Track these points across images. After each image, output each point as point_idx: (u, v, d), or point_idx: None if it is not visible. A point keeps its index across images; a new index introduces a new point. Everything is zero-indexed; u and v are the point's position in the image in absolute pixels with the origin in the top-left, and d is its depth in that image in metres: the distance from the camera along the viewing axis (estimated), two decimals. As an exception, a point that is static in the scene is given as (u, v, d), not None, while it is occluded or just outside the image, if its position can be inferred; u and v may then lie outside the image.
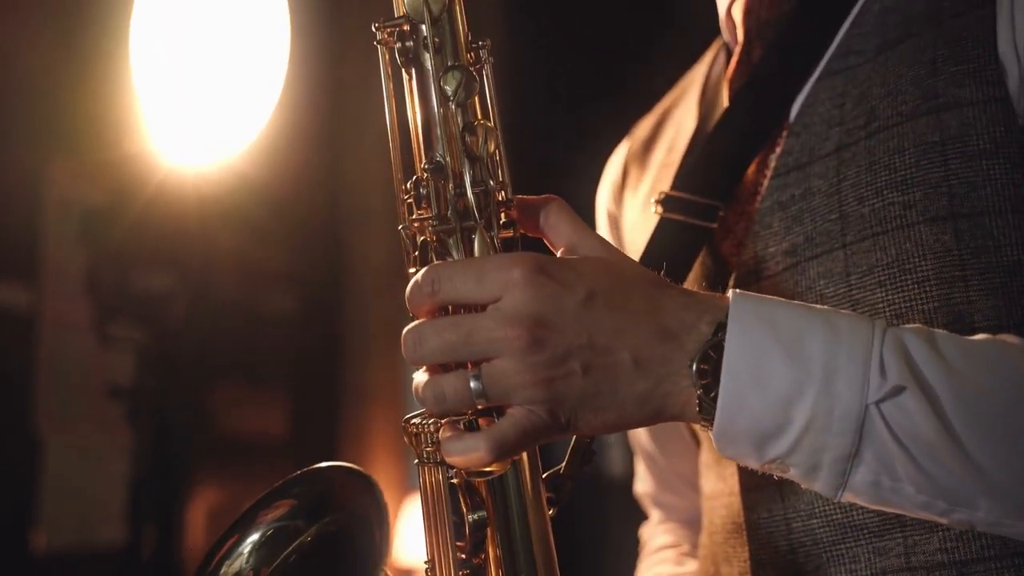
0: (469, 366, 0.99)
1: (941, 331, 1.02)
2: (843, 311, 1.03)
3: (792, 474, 1.02)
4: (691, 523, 1.56)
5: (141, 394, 2.86)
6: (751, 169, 1.32)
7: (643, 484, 1.66)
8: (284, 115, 2.72)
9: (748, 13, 1.36)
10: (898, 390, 0.96)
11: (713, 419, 0.99)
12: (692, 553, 1.55)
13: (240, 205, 2.79)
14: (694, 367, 0.98)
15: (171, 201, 2.72)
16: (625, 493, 1.85)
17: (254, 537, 1.02)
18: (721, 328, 0.98)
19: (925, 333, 1.01)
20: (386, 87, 1.08)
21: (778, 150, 1.29)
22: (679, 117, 1.50)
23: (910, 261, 1.16)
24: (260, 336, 3.92)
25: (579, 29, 3.54)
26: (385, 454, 4.32)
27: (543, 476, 1.10)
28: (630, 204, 1.53)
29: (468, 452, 1.00)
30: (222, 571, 1.01)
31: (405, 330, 1.02)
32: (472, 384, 0.98)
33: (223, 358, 3.63)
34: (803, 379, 0.97)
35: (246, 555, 1.02)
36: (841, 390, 0.97)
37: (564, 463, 1.19)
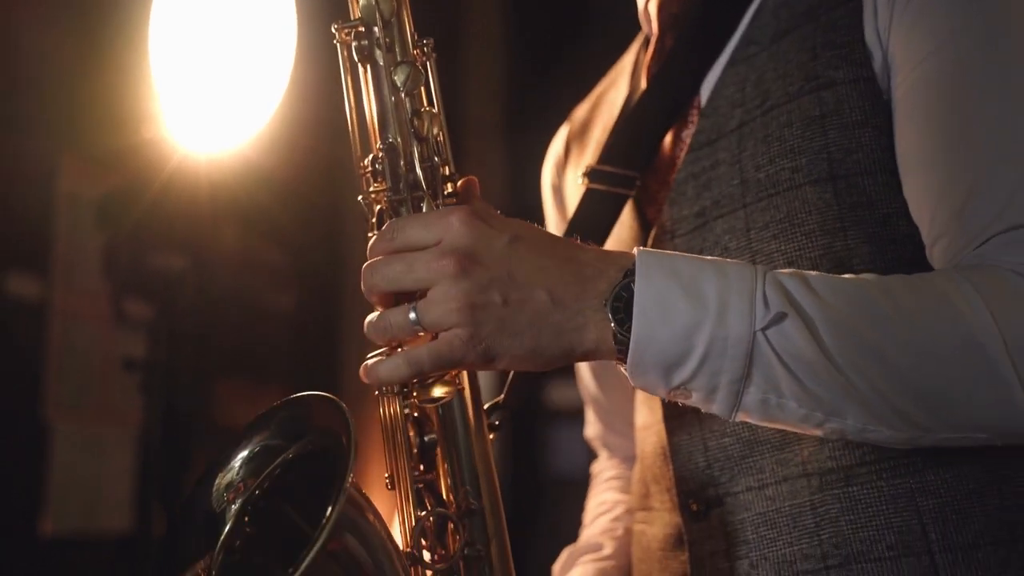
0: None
1: (812, 272, 1.20)
2: (731, 260, 1.21)
3: (694, 399, 1.19)
4: (633, 460, 1.72)
5: (148, 383, 2.94)
6: (670, 145, 1.51)
7: (592, 428, 1.86)
8: (291, 105, 2.83)
9: (661, 8, 1.55)
10: (780, 317, 1.14)
11: (627, 352, 1.16)
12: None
13: (249, 191, 2.91)
14: (608, 306, 1.15)
15: (184, 187, 2.82)
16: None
17: (244, 454, 1.20)
18: (630, 274, 1.16)
19: (799, 275, 1.18)
20: (344, 80, 1.27)
21: (692, 128, 1.47)
22: (612, 99, 1.69)
23: (798, 216, 1.35)
24: (263, 325, 4.01)
25: (520, 29, 3.78)
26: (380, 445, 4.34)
27: (484, 407, 1.29)
28: (571, 178, 1.72)
29: (390, 369, 1.18)
30: (216, 481, 1.19)
31: (364, 266, 1.20)
32: (411, 315, 1.16)
33: (229, 346, 3.71)
34: (701, 313, 1.14)
35: (237, 468, 1.19)
36: (732, 321, 1.14)
37: (503, 395, 1.40)
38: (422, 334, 1.18)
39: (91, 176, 3.29)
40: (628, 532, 1.68)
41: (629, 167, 1.51)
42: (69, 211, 3.26)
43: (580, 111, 1.78)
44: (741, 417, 1.20)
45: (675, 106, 1.50)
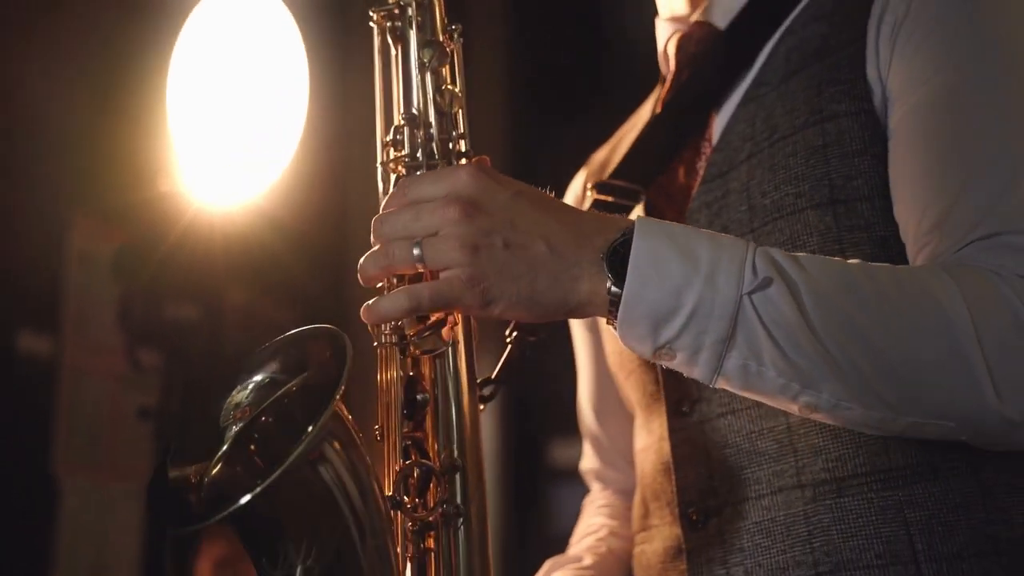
0: None
1: (802, 253, 1.25)
2: (726, 235, 1.26)
3: (678, 360, 1.22)
4: (626, 493, 1.77)
5: (161, 432, 2.98)
6: (684, 175, 1.58)
7: (588, 462, 1.89)
8: (302, 159, 2.97)
9: (679, 48, 1.65)
10: (767, 282, 1.18)
11: (618, 306, 1.20)
12: (624, 515, 1.77)
13: (262, 243, 2.97)
14: (604, 260, 1.20)
15: (198, 239, 2.89)
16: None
17: (257, 378, 1.24)
18: (628, 233, 1.20)
19: (789, 253, 1.23)
20: (377, 60, 1.38)
21: (705, 161, 1.55)
22: (630, 140, 1.74)
23: (800, 238, 1.41)
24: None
25: (546, 72, 3.88)
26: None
27: (478, 381, 1.32)
28: None
29: (391, 302, 1.22)
30: (231, 396, 1.23)
31: (374, 218, 1.26)
32: (414, 250, 1.20)
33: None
34: (692, 273, 1.18)
35: (248, 390, 1.24)
36: (721, 283, 1.18)
37: (496, 371, 1.44)
38: (421, 269, 1.22)
39: (103, 233, 3.32)
40: (611, 552, 1.72)
41: (635, 181, 1.59)
42: (80, 268, 3.30)
43: (599, 155, 1.86)
44: (721, 383, 1.23)
45: (685, 128, 1.59)
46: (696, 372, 1.23)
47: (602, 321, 1.68)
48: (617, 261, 1.20)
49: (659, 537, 1.54)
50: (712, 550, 1.44)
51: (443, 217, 1.20)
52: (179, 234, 2.84)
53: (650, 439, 1.58)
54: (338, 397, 1.13)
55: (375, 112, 1.37)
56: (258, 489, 1.08)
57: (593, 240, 1.21)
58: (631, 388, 1.64)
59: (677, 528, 1.49)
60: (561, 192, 1.85)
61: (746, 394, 1.27)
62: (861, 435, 1.36)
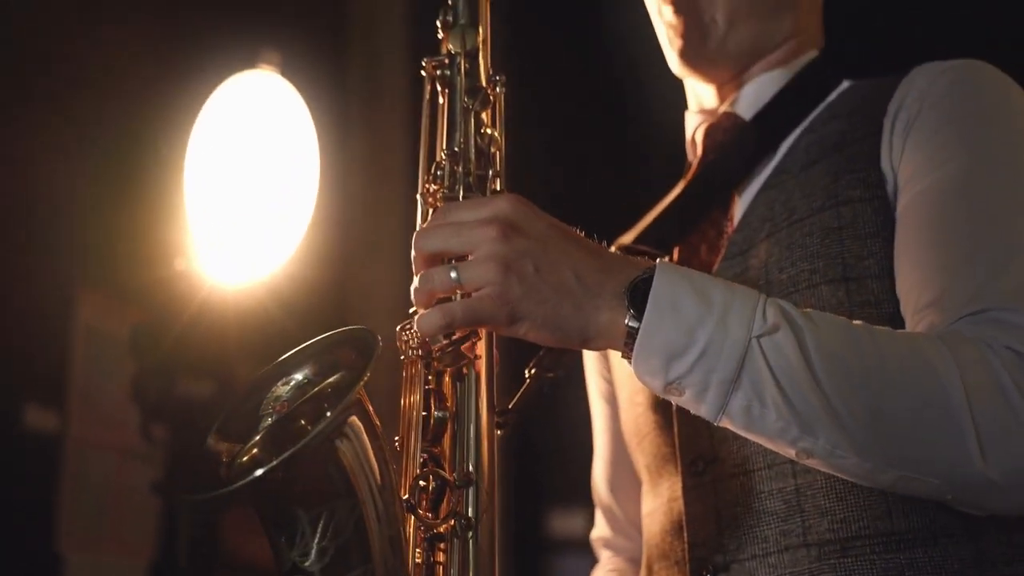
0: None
1: (809, 308, 1.32)
2: (740, 284, 1.32)
3: (686, 397, 1.27)
4: (636, 562, 1.79)
5: (170, 510, 2.99)
6: (707, 252, 1.67)
7: (599, 530, 1.92)
8: (311, 241, 3.05)
9: (707, 136, 1.76)
10: (775, 328, 1.24)
11: (635, 339, 1.25)
12: None
13: (274, 320, 2.99)
14: (626, 294, 1.26)
15: (211, 317, 2.94)
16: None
17: (298, 376, 1.30)
18: (649, 272, 1.27)
19: (797, 307, 1.30)
20: (425, 108, 1.48)
21: (727, 240, 1.64)
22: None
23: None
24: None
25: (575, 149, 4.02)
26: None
27: (496, 409, 1.37)
28: None
29: (426, 318, 1.28)
30: (272, 389, 1.29)
31: (415, 233, 1.32)
32: (451, 273, 1.27)
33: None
34: (705, 314, 1.25)
35: (289, 387, 1.29)
36: (732, 325, 1.24)
37: (515, 400, 1.48)
38: (460, 292, 1.28)
39: (111, 309, 3.36)
40: None
41: (658, 247, 1.66)
42: (88, 343, 3.32)
43: (624, 238, 1.90)
44: (724, 422, 1.28)
45: (710, 203, 1.69)
46: (703, 410, 1.28)
47: (619, 389, 1.78)
48: (638, 297, 1.26)
49: None
50: None
51: (482, 235, 1.27)
52: (193, 311, 2.90)
53: (657, 502, 1.62)
54: (362, 383, 1.18)
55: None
56: (275, 462, 1.13)
57: (617, 275, 1.28)
58: (643, 451, 1.68)
59: None
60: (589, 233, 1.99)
61: (748, 435, 1.31)
62: (866, 498, 1.41)
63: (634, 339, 1.26)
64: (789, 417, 1.25)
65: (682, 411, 1.44)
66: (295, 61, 3.25)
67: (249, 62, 3.17)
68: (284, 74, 3.18)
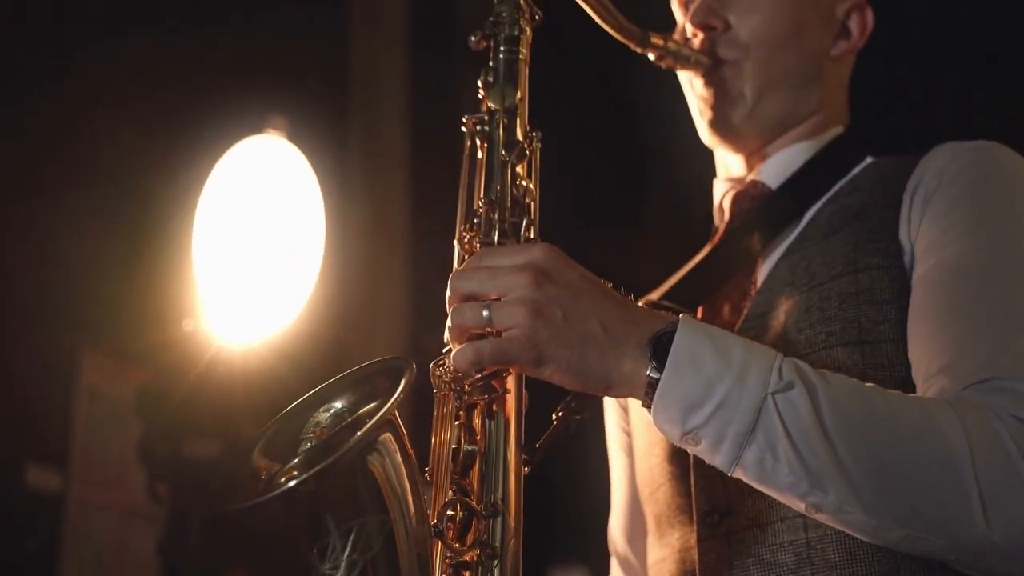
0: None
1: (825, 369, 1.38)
2: (758, 343, 1.38)
3: (702, 446, 1.33)
4: None
5: (175, 569, 3.00)
6: (729, 313, 1.73)
7: None
8: (314, 302, 3.12)
9: (735, 202, 1.84)
10: (790, 385, 1.30)
11: (656, 387, 1.31)
12: None
13: (281, 380, 2.99)
14: (649, 346, 1.32)
15: (219, 377, 2.97)
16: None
17: (337, 404, 1.35)
18: (672, 326, 1.33)
19: (814, 367, 1.36)
20: (464, 162, 1.55)
21: (749, 302, 1.70)
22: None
23: (829, 372, 1.50)
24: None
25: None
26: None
27: (523, 445, 1.41)
28: None
29: (457, 354, 1.33)
30: (315, 414, 1.34)
31: (452, 274, 1.38)
32: (484, 312, 1.32)
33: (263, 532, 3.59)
34: (724, 369, 1.31)
35: (330, 413, 1.34)
36: (750, 381, 1.30)
37: (542, 439, 1.53)
38: (490, 330, 1.34)
39: (113, 369, 3.43)
40: None
41: (683, 305, 1.72)
42: (90, 403, 3.37)
43: (652, 296, 1.95)
44: (738, 473, 1.33)
45: (734, 265, 1.75)
46: (717, 460, 1.33)
47: (636, 439, 1.83)
48: (660, 349, 1.32)
49: None
50: None
51: (516, 280, 1.33)
52: (201, 372, 2.94)
53: (667, 551, 1.66)
54: (394, 400, 1.25)
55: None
56: (308, 473, 1.18)
57: (642, 327, 1.34)
58: (656, 501, 1.72)
59: None
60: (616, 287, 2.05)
61: (760, 487, 1.36)
62: (874, 554, 1.45)
63: (655, 389, 1.32)
64: (800, 472, 1.30)
65: (699, 463, 1.49)
66: (300, 126, 3.33)
67: (257, 127, 3.24)
68: (291, 139, 3.26)
